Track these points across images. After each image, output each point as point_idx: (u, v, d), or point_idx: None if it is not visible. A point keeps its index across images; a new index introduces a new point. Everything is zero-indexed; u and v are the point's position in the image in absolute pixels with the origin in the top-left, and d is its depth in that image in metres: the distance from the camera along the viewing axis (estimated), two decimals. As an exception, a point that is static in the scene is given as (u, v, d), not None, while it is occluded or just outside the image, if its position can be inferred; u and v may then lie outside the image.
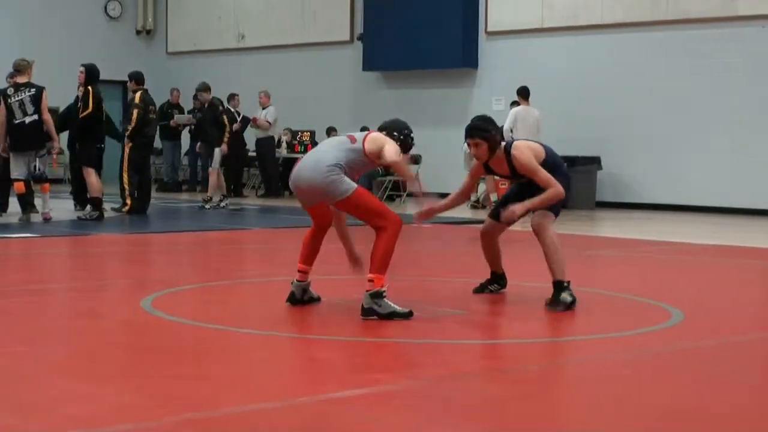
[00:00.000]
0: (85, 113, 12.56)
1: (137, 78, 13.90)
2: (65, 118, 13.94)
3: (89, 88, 12.58)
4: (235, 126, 18.74)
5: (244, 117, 18.67)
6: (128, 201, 13.51)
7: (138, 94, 13.66)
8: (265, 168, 18.92)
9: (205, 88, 15.54)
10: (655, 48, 16.62)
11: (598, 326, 5.95)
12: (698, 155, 16.12)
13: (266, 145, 18.72)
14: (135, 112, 13.50)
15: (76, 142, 13.24)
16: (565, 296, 6.35)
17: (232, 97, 19.02)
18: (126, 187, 13.55)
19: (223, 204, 15.02)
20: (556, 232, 6.52)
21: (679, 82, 16.36)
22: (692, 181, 16.20)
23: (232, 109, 19.00)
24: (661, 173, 16.56)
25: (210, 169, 15.27)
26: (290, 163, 19.57)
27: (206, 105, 15.52)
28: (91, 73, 12.73)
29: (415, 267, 9.45)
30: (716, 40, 15.98)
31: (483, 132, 6.54)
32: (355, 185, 6.22)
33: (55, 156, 12.85)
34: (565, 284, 6.40)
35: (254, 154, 19.21)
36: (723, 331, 6.09)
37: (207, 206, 14.95)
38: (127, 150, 13.59)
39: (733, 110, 15.81)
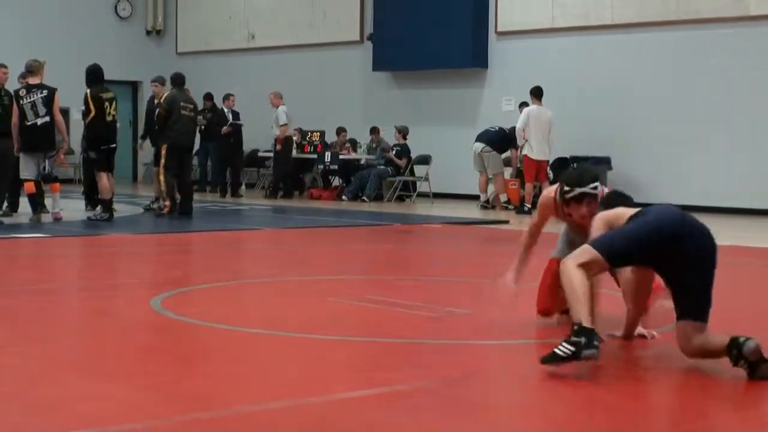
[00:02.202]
0: (89, 118, 12.40)
1: (171, 78, 13.79)
2: None
3: (86, 91, 12.42)
4: (224, 129, 18.71)
5: (232, 123, 18.56)
6: (167, 203, 13.27)
7: (166, 94, 13.57)
8: (277, 168, 18.75)
9: (160, 80, 14.94)
10: (665, 48, 16.58)
11: (607, 327, 5.92)
12: (709, 155, 16.08)
13: (283, 146, 18.44)
14: (156, 112, 13.40)
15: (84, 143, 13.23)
16: (559, 350, 4.69)
17: (227, 97, 19.00)
18: (163, 188, 13.28)
19: (154, 206, 14.21)
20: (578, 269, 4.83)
21: (689, 81, 16.32)
22: (702, 182, 16.16)
23: (226, 110, 18.98)
24: (671, 173, 16.52)
25: (156, 168, 14.48)
26: (300, 163, 19.59)
27: (156, 100, 14.81)
28: (89, 75, 12.52)
29: (425, 266, 9.45)
30: (727, 40, 15.94)
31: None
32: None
33: (62, 156, 12.72)
34: (575, 328, 4.72)
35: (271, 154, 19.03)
36: (732, 331, 6.06)
37: (154, 205, 14.30)
38: (163, 151, 13.32)
39: (745, 110, 15.76)
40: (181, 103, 13.48)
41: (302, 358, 5.13)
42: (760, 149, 15.62)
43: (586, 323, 4.68)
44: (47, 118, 11.96)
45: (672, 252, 4.82)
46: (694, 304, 4.89)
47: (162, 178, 13.31)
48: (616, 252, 4.83)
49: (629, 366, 5.11)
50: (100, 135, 12.54)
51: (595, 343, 4.62)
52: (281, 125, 18.10)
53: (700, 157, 16.16)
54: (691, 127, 16.31)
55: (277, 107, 18.20)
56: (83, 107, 12.68)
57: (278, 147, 18.27)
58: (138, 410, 4.00)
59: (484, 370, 5.05)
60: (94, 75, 12.60)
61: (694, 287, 4.89)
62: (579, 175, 5.61)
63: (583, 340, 4.62)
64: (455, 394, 4.41)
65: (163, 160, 13.31)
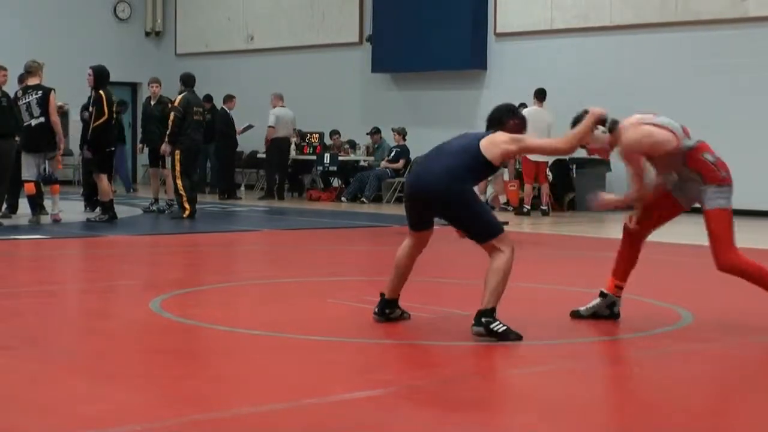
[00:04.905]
0: (100, 120, 12.17)
1: (182, 79, 13.60)
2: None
3: (101, 92, 12.22)
4: (240, 129, 18.76)
5: (249, 124, 18.61)
6: (186, 206, 13.11)
7: (180, 97, 13.34)
8: (269, 170, 18.72)
9: (156, 80, 14.83)
10: (664, 49, 16.59)
11: (607, 328, 5.94)
12: (708, 156, 16.07)
13: (271, 147, 18.44)
14: (171, 115, 13.22)
15: (86, 145, 12.98)
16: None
17: (229, 98, 18.98)
18: (182, 192, 13.13)
19: (154, 207, 14.46)
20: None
21: (688, 83, 16.32)
22: (702, 183, 16.16)
23: (228, 111, 18.98)
24: (671, 175, 16.50)
25: (152, 170, 14.77)
26: (299, 165, 19.58)
27: (153, 101, 14.67)
28: (100, 76, 12.32)
29: (424, 267, 9.45)
30: (726, 41, 15.94)
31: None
32: None
33: (59, 157, 12.63)
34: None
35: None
36: (732, 332, 6.08)
37: (153, 207, 14.51)
38: (177, 156, 13.17)
39: (744, 111, 15.76)
40: (194, 107, 13.40)
41: (301, 359, 5.13)
42: (760, 150, 15.62)
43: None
44: (42, 119, 11.90)
45: (421, 207, 5.87)
46: (468, 233, 5.62)
47: (180, 182, 13.16)
48: None
49: (627, 365, 5.12)
50: (108, 137, 12.45)
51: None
52: (268, 126, 18.16)
53: (699, 158, 16.15)
54: (690, 128, 16.28)
55: (274, 108, 18.31)
56: (92, 108, 12.31)
57: (264, 148, 18.42)
58: (137, 412, 4.00)
59: (482, 371, 5.06)
60: (105, 77, 12.43)
61: (456, 222, 5.66)
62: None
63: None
64: (454, 396, 4.42)
65: (179, 165, 13.15)
